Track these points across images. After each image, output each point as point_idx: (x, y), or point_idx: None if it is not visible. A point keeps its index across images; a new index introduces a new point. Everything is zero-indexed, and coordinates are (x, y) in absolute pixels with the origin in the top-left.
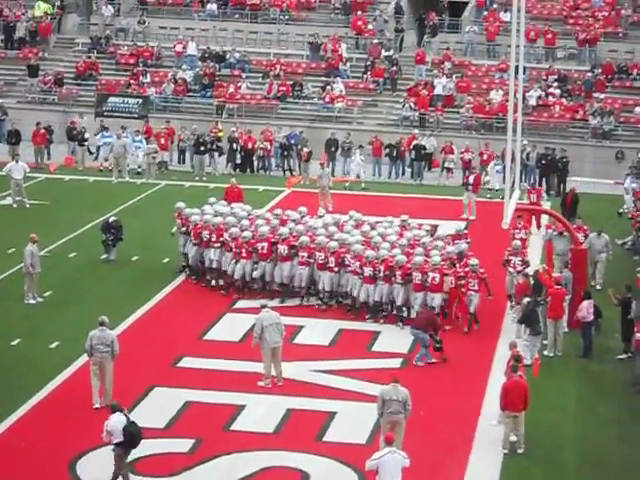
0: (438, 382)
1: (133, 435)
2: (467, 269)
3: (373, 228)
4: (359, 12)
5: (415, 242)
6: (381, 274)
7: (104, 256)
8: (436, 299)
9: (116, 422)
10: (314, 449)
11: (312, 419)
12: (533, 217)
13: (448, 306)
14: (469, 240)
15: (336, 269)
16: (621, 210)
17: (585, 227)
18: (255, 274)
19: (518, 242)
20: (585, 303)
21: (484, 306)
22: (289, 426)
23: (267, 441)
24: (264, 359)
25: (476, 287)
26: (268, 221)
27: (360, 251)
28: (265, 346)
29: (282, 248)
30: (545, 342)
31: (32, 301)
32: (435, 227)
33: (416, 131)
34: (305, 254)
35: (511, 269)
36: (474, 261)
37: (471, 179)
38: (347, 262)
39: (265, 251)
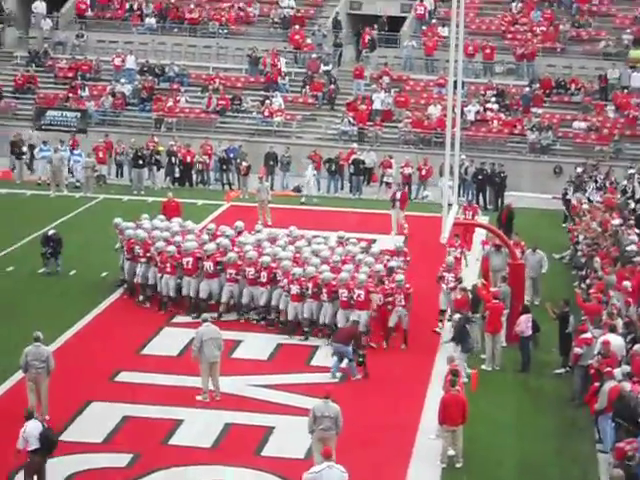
0: (375, 397)
1: (50, 440)
2: (393, 285)
3: (309, 244)
4: (297, 26)
5: (347, 258)
6: (309, 291)
7: (42, 269)
8: (362, 316)
9: (32, 428)
10: (252, 463)
11: (250, 433)
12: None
13: (375, 324)
14: (408, 258)
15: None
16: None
17: (522, 243)
18: (184, 291)
19: (451, 259)
20: (523, 317)
21: (422, 321)
22: (227, 440)
23: (205, 456)
24: (202, 373)
25: (402, 302)
26: (198, 236)
27: (288, 268)
28: (203, 360)
29: (207, 265)
30: (483, 356)
31: None
32: (371, 242)
33: (355, 145)
34: (233, 271)
35: (444, 285)
36: (400, 277)
37: (398, 195)
38: (278, 278)
39: (190, 266)
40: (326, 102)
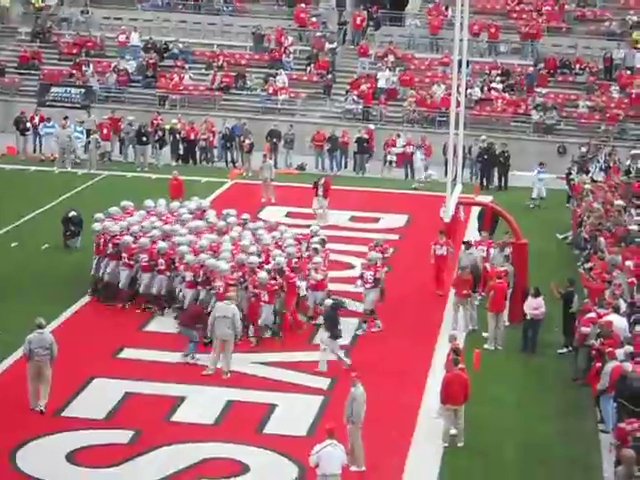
0: (378, 376)
1: None
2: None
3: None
4: (302, 4)
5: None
6: (200, 279)
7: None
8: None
9: None
10: (254, 441)
11: (253, 411)
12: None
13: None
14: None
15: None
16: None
17: (490, 241)
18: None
19: (374, 254)
20: (537, 300)
21: (424, 298)
22: (229, 418)
23: (207, 432)
24: (212, 350)
25: (266, 298)
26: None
27: (184, 254)
28: (214, 337)
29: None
30: (485, 335)
31: None
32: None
33: (372, 126)
34: (126, 255)
35: (359, 283)
36: (262, 275)
37: (321, 182)
38: (177, 264)
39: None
40: (322, 92)
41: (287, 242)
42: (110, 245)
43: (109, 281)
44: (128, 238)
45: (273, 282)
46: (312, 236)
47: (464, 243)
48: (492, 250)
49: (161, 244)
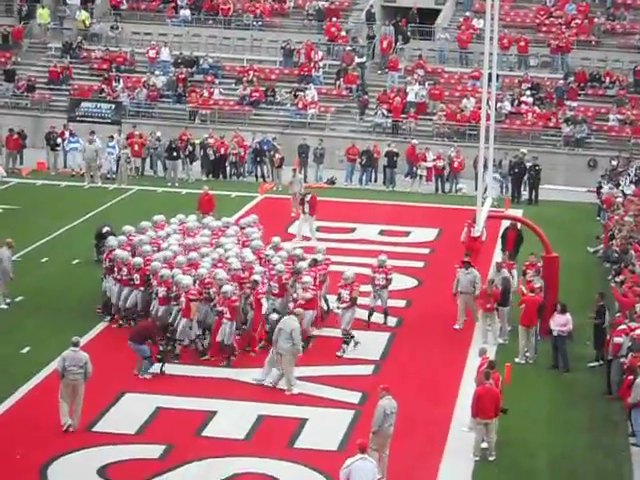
0: (409, 389)
1: None
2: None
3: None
4: (333, 19)
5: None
6: (173, 294)
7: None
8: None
9: None
10: (285, 455)
11: (284, 425)
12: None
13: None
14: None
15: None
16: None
17: (538, 264)
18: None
19: (350, 273)
20: (564, 317)
21: (454, 311)
22: (260, 432)
23: (238, 447)
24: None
25: (228, 315)
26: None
27: (157, 269)
28: (273, 350)
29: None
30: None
31: (3, 305)
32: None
33: (415, 141)
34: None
35: (339, 304)
36: (226, 288)
37: (307, 199)
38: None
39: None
40: (359, 112)
41: (276, 260)
42: (107, 260)
43: (109, 297)
44: (120, 253)
45: (234, 297)
46: (298, 259)
47: (464, 263)
48: (513, 272)
49: (136, 259)
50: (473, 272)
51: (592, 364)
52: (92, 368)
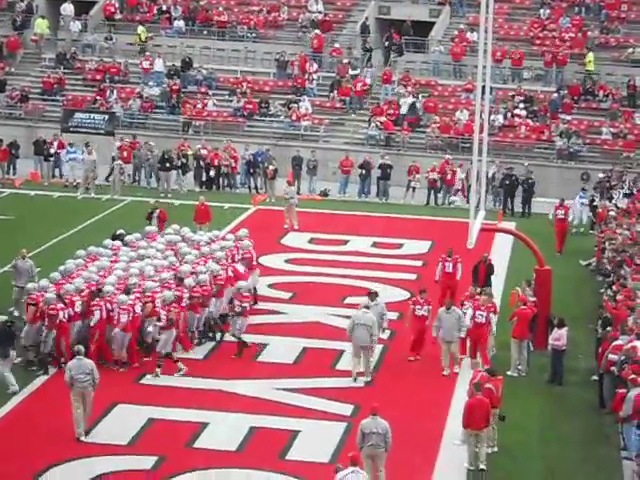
0: (401, 402)
1: None
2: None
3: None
4: (316, 31)
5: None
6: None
7: None
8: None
9: None
10: (277, 467)
11: (275, 437)
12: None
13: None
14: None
15: None
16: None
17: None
18: None
19: (168, 294)
20: (561, 331)
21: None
22: (252, 444)
23: (230, 459)
24: (352, 355)
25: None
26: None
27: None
28: (354, 343)
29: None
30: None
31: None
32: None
33: (449, 156)
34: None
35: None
36: (121, 297)
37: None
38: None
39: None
40: (356, 105)
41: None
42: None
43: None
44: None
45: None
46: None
47: (446, 305)
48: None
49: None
50: (456, 311)
51: (595, 377)
52: (99, 374)
